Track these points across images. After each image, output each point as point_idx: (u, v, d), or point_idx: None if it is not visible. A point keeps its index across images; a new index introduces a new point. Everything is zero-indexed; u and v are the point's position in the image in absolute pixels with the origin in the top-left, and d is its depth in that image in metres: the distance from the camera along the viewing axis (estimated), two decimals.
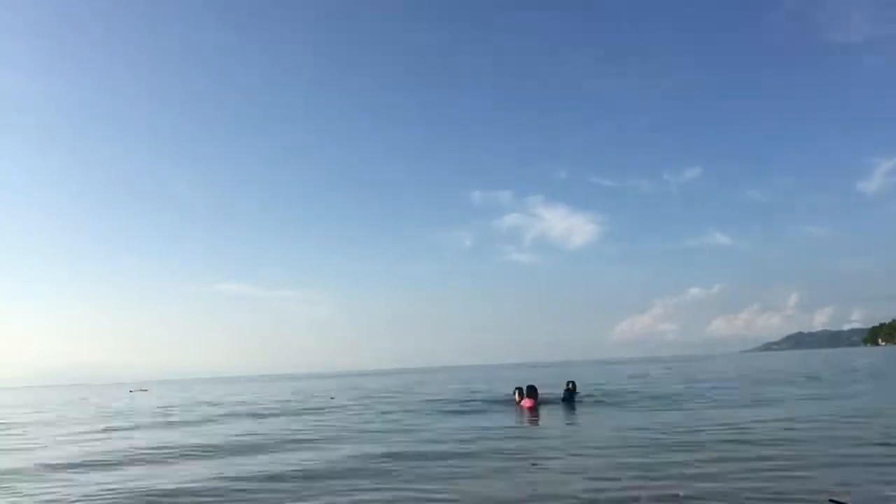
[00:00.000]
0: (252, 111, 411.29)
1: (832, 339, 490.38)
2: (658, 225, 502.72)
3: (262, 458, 10.78)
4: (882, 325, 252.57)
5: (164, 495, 7.87)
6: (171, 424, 19.39)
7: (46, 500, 8.00)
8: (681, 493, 6.49)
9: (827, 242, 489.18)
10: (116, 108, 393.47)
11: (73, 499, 7.95)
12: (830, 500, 5.55)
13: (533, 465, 9.18)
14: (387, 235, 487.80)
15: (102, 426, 19.64)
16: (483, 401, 21.92)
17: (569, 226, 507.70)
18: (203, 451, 11.99)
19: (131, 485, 8.63)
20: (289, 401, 30.01)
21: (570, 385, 20.47)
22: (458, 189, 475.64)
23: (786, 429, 11.28)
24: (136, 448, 12.90)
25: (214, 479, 8.79)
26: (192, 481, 8.65)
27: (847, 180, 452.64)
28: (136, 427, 18.88)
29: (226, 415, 22.29)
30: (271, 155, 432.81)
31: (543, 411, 17.16)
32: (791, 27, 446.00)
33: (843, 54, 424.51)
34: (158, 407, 30.47)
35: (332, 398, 29.92)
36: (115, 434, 16.83)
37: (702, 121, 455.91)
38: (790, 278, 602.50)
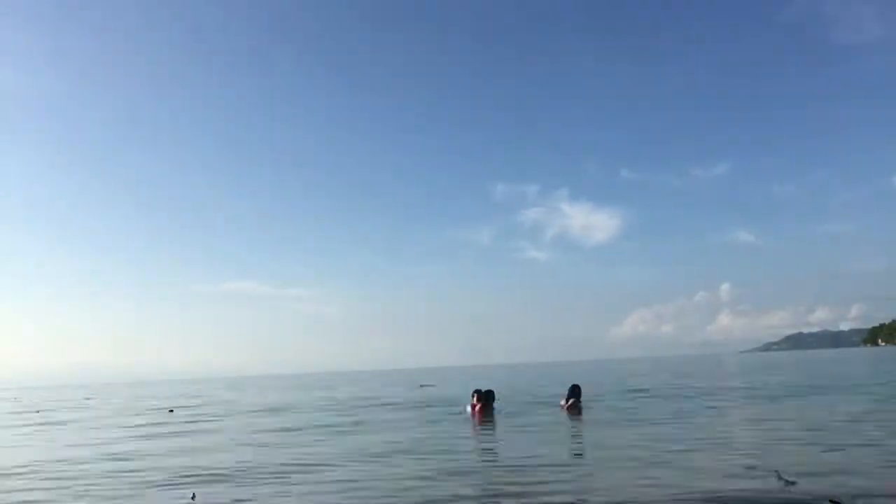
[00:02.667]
0: (261, 108, 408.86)
1: (833, 339, 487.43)
2: (682, 221, 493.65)
3: None
4: (882, 326, 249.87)
5: None
6: None
7: None
8: None
9: (846, 241, 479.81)
10: (118, 107, 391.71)
11: None
12: (831, 501, 5.45)
13: None
14: (402, 232, 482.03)
15: None
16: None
17: (591, 222, 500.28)
18: None
19: None
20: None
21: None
22: (480, 183, 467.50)
23: None
24: None
25: None
26: None
27: (881, 176, 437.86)
28: None
29: None
30: (280, 152, 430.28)
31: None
32: (823, 24, 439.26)
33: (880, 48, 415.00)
34: None
35: (171, 411, 25.34)
36: None
37: (735, 116, 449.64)
38: (800, 278, 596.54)
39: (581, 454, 9.66)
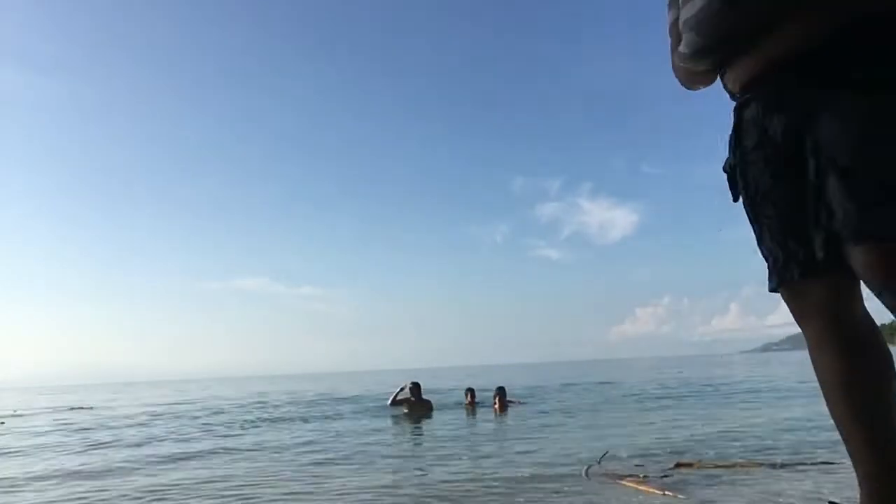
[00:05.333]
0: (269, 106, 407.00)
1: None
2: (697, 217, 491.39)
3: None
4: (882, 326, 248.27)
5: None
6: None
7: None
8: None
9: None
10: (122, 107, 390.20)
11: None
12: (830, 502, 4.23)
13: None
14: (416, 230, 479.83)
15: None
16: None
17: (608, 218, 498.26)
18: None
19: None
20: None
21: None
22: (499, 178, 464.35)
23: None
24: None
25: None
26: None
27: None
28: None
29: None
30: (291, 151, 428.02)
31: None
32: None
33: None
34: None
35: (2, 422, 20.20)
36: None
37: None
38: None
39: None
